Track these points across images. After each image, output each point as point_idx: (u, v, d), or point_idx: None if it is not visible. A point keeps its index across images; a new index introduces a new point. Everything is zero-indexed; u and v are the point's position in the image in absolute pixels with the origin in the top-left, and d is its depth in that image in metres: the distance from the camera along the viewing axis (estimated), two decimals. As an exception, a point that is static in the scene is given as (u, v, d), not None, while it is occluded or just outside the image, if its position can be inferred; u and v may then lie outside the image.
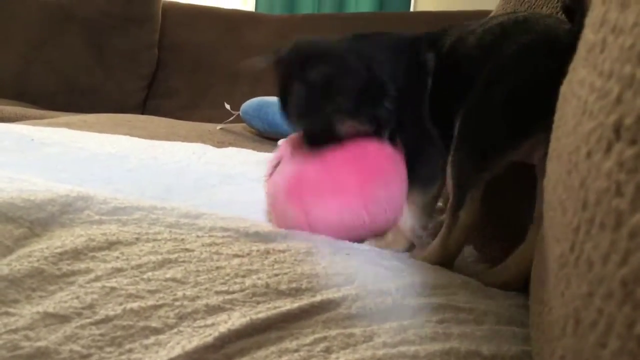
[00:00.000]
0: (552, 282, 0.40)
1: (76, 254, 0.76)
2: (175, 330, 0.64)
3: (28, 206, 0.82)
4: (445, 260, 0.92)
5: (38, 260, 0.72)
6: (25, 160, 1.18)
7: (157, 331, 0.64)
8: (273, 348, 0.62)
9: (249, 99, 1.78)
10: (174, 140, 1.62)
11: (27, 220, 0.80)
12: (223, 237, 0.91)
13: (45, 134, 1.37)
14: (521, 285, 0.86)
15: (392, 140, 1.02)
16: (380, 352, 0.61)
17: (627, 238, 0.25)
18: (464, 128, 0.86)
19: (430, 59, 0.97)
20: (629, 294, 0.24)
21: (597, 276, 0.28)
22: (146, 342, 0.62)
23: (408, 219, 1.00)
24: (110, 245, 0.80)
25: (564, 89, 0.51)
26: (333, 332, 0.65)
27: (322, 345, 0.63)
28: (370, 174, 0.99)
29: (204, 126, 2.01)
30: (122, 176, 1.21)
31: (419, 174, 1.00)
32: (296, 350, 0.62)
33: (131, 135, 1.55)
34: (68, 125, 1.54)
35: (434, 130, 0.97)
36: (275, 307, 0.69)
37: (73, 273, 0.73)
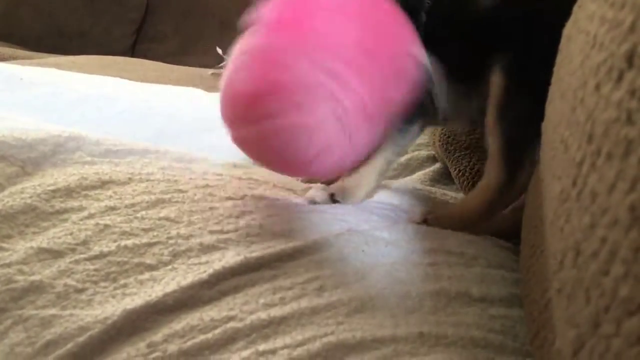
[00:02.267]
0: (549, 220, 0.40)
1: (69, 192, 0.75)
2: (169, 267, 0.65)
3: (19, 145, 0.81)
4: (485, 221, 0.84)
5: (31, 197, 0.72)
6: (14, 99, 1.16)
7: (151, 267, 0.64)
8: (267, 285, 0.63)
9: (240, 45, 1.75)
10: (165, 84, 1.59)
11: (18, 159, 0.80)
12: (216, 180, 0.91)
13: (34, 73, 1.34)
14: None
15: None
16: (373, 291, 0.62)
17: (636, 165, 0.25)
18: (519, 77, 0.78)
19: None
20: (636, 218, 0.24)
21: (601, 206, 0.28)
22: (141, 277, 0.62)
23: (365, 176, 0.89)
24: (103, 184, 0.80)
25: (567, 30, 0.50)
26: (326, 272, 0.66)
27: (315, 284, 0.63)
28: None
29: (196, 71, 1.98)
30: (113, 118, 1.19)
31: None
32: (290, 288, 0.62)
33: (121, 77, 1.52)
34: (57, 66, 1.50)
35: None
36: (269, 247, 0.69)
37: (66, 210, 0.72)
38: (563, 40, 0.51)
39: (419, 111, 0.86)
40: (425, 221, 0.84)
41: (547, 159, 0.46)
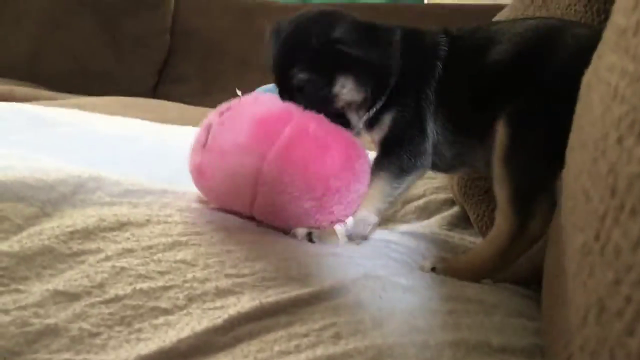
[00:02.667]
0: (572, 273, 0.39)
1: (87, 233, 0.76)
2: (184, 311, 0.64)
3: (40, 186, 0.82)
4: (496, 272, 0.84)
5: (49, 239, 0.72)
6: (36, 139, 1.18)
7: (166, 312, 0.64)
8: (282, 332, 0.62)
9: (259, 86, 1.77)
10: (185, 124, 1.61)
11: (38, 200, 0.80)
12: (234, 222, 0.91)
13: (56, 114, 1.37)
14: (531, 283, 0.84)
15: (380, 117, 0.96)
16: (390, 340, 0.61)
17: (661, 222, 0.24)
18: (524, 126, 0.79)
19: (443, 44, 0.92)
20: (662, 278, 0.23)
21: (625, 263, 0.28)
22: (155, 322, 0.62)
23: (367, 202, 0.94)
24: (121, 226, 0.80)
25: (587, 78, 0.50)
26: (342, 318, 0.65)
27: (331, 331, 0.62)
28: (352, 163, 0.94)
29: (215, 112, 2.00)
30: (132, 158, 1.20)
31: (395, 159, 0.93)
32: (305, 335, 0.61)
33: (142, 118, 1.54)
34: (79, 107, 1.53)
35: (435, 117, 0.92)
36: (284, 292, 0.69)
37: (83, 252, 0.72)
38: (583, 89, 0.50)
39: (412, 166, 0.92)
40: (433, 269, 0.83)
41: (568, 208, 0.46)
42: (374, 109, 0.96)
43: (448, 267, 0.84)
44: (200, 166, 0.96)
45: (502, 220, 0.81)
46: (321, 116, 0.95)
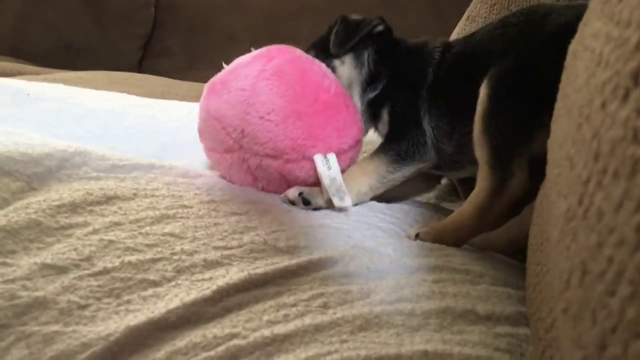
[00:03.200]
0: (555, 239, 0.40)
1: (74, 207, 0.75)
2: (173, 283, 0.64)
3: (25, 160, 0.81)
4: (477, 232, 0.87)
5: (35, 212, 0.72)
6: (21, 114, 1.17)
7: (155, 284, 0.64)
8: (271, 302, 0.62)
9: (246, 60, 1.76)
10: (171, 99, 1.60)
11: (24, 174, 0.80)
12: (221, 195, 0.91)
13: (41, 89, 1.35)
14: (512, 253, 0.86)
15: (379, 111, 1.05)
16: (377, 309, 0.61)
17: (643, 185, 0.24)
18: (502, 89, 0.82)
19: (437, 52, 1.02)
20: (643, 239, 0.24)
21: (608, 225, 0.28)
22: (144, 294, 0.62)
23: (361, 175, 0.98)
24: (108, 199, 0.80)
25: (573, 47, 0.50)
26: (330, 289, 0.66)
27: (319, 301, 0.63)
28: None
29: (202, 86, 1.98)
30: (119, 133, 1.19)
31: (395, 146, 0.99)
32: (294, 305, 0.62)
33: (128, 93, 1.53)
34: (64, 82, 1.51)
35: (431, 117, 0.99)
36: (273, 263, 0.69)
37: (71, 226, 0.72)
38: (569, 57, 0.51)
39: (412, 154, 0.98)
40: (417, 236, 0.84)
41: (553, 176, 0.46)
42: (370, 94, 1.06)
43: (430, 230, 0.86)
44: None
45: (481, 179, 0.83)
46: None
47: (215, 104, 1.02)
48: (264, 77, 0.97)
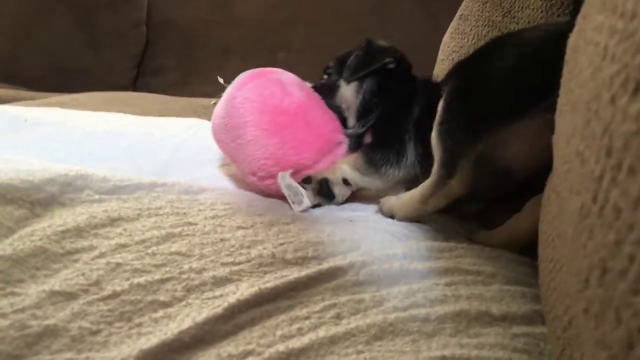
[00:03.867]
0: (570, 236, 0.39)
1: (78, 231, 0.75)
2: (183, 302, 0.64)
3: (27, 187, 0.80)
4: (415, 217, 0.96)
5: (41, 239, 0.71)
6: (19, 141, 1.16)
7: (165, 304, 0.63)
8: (283, 316, 0.62)
9: (240, 73, 1.74)
10: (168, 116, 1.59)
11: (26, 201, 0.79)
12: (225, 210, 0.91)
13: (38, 114, 1.35)
14: (515, 249, 0.86)
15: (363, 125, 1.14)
16: (391, 316, 0.61)
17: (661, 179, 0.24)
18: (452, 102, 0.90)
19: (422, 91, 1.09)
20: (666, 235, 0.23)
21: (627, 222, 0.28)
22: (155, 315, 0.61)
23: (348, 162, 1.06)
24: (113, 221, 0.79)
25: (573, 40, 0.50)
26: (342, 299, 0.65)
27: (332, 312, 0.62)
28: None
29: (198, 101, 1.98)
30: (119, 153, 1.19)
31: (371, 153, 1.07)
32: (307, 318, 0.61)
33: (124, 112, 1.53)
34: (60, 105, 1.51)
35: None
36: (282, 276, 0.69)
37: (77, 251, 0.72)
38: (569, 52, 0.50)
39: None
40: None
41: (562, 172, 0.46)
42: (359, 130, 1.13)
43: (386, 202, 1.00)
44: None
45: (432, 173, 0.92)
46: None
47: (214, 127, 1.15)
48: (233, 105, 1.09)
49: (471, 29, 1.25)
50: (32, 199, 0.79)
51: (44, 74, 2.81)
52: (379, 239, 0.83)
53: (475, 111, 0.87)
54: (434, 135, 0.91)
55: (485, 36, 1.18)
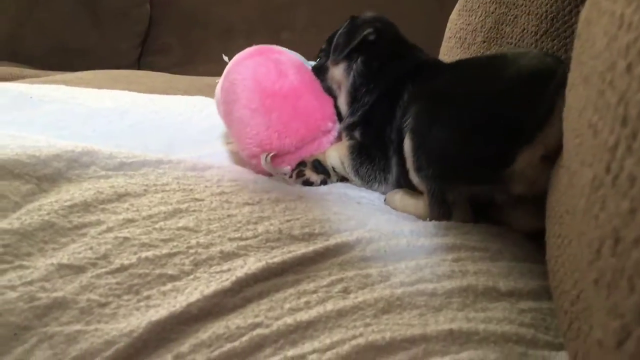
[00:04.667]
0: (581, 209, 0.39)
1: (86, 206, 0.75)
2: (191, 276, 0.64)
3: (34, 162, 0.80)
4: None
5: (48, 214, 0.72)
6: (24, 118, 1.16)
7: (173, 278, 0.64)
8: (291, 290, 0.62)
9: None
10: (174, 94, 1.59)
11: (33, 177, 0.79)
12: (231, 186, 0.91)
13: (43, 91, 1.34)
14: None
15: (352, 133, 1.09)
16: (398, 291, 0.61)
17: (679, 145, 0.24)
18: (424, 143, 0.86)
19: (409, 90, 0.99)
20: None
21: (642, 190, 0.27)
22: (163, 288, 0.62)
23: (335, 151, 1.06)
24: (120, 197, 0.79)
25: (585, 13, 0.49)
26: (349, 273, 0.65)
27: (339, 286, 0.63)
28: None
29: (203, 80, 1.98)
30: (124, 131, 1.19)
31: (358, 167, 1.04)
32: (314, 292, 0.62)
33: (129, 90, 1.52)
34: (65, 83, 1.50)
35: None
36: (290, 252, 0.69)
37: (84, 225, 0.72)
38: (581, 25, 0.50)
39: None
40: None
41: (573, 147, 0.45)
42: (349, 120, 1.08)
43: (391, 201, 0.95)
44: None
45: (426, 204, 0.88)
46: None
47: (216, 99, 1.19)
48: (228, 79, 1.10)
49: (479, 6, 1.23)
50: (39, 174, 0.79)
51: (46, 53, 2.80)
52: (386, 218, 0.83)
53: (456, 158, 0.82)
54: (415, 180, 0.87)
55: (492, 12, 1.17)
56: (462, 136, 0.80)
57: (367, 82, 1.06)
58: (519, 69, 0.80)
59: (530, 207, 0.77)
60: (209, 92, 1.63)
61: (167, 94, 1.58)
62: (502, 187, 0.79)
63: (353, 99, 1.08)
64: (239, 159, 1.12)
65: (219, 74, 1.21)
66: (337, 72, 1.11)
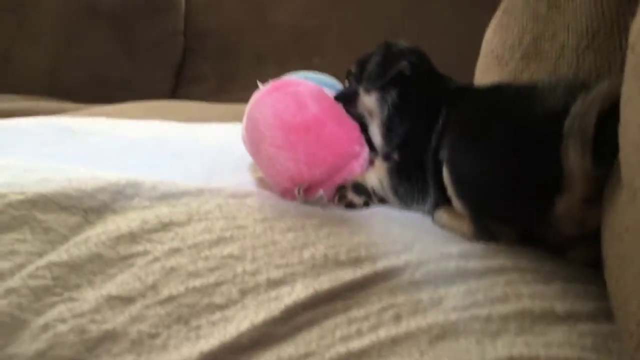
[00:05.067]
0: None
1: (132, 237, 0.76)
2: (239, 305, 0.64)
3: (80, 195, 0.82)
4: None
5: (96, 246, 0.72)
6: (68, 151, 1.18)
7: (221, 307, 0.63)
8: (341, 317, 0.61)
9: (275, 79, 1.74)
10: (210, 122, 1.60)
11: (80, 209, 0.80)
12: (273, 212, 0.90)
13: (84, 124, 1.37)
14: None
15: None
16: (452, 316, 0.59)
17: None
18: (463, 173, 0.85)
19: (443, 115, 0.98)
20: None
21: None
22: (212, 318, 0.61)
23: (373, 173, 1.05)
24: (164, 226, 0.80)
25: (638, 25, 0.48)
26: (400, 299, 0.64)
27: (390, 312, 0.61)
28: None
29: (238, 107, 1.98)
30: (165, 160, 1.20)
31: (397, 187, 1.02)
32: (365, 318, 0.60)
33: (167, 120, 1.54)
34: (105, 115, 1.53)
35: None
36: (337, 277, 0.68)
37: (131, 255, 0.72)
38: (633, 37, 0.48)
39: None
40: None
41: (634, 162, 0.44)
42: (388, 146, 1.06)
43: (438, 220, 0.92)
44: None
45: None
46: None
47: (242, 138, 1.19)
48: (250, 118, 1.11)
49: (515, 23, 1.22)
50: (86, 207, 0.80)
51: (84, 86, 2.87)
52: (432, 239, 0.82)
53: (495, 199, 0.81)
54: (457, 206, 0.86)
55: (530, 29, 1.15)
56: (499, 178, 0.80)
57: (402, 113, 1.05)
58: (546, 108, 0.78)
59: (590, 242, 0.74)
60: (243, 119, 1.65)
61: (204, 122, 1.60)
62: (551, 230, 0.77)
63: (388, 130, 1.07)
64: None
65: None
66: (370, 101, 1.09)
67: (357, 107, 1.12)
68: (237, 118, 1.72)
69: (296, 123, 1.05)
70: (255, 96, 1.15)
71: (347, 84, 1.21)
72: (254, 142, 1.10)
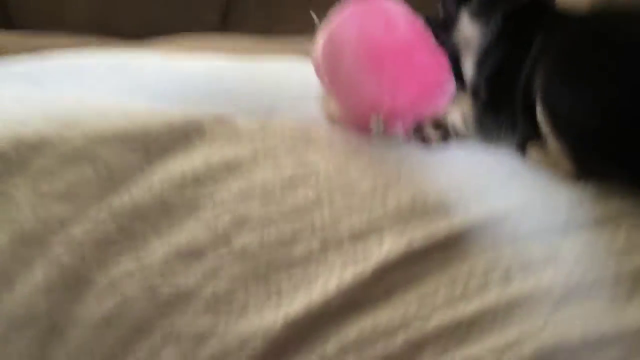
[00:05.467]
0: None
1: (196, 179, 0.69)
2: (322, 260, 0.56)
3: (141, 132, 0.75)
4: None
5: (160, 189, 0.66)
6: (123, 85, 1.12)
7: (302, 263, 0.56)
8: (440, 276, 0.53)
9: (324, 21, 1.65)
10: (263, 56, 1.54)
11: (141, 147, 0.74)
12: (346, 151, 0.82)
13: (138, 59, 1.31)
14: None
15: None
16: (575, 276, 0.51)
17: None
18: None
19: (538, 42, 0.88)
20: None
21: None
22: (294, 276, 0.55)
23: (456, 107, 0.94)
24: (229, 166, 0.72)
25: None
26: (506, 254, 0.55)
27: (499, 271, 0.53)
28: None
29: (291, 41, 1.91)
30: (223, 95, 1.13)
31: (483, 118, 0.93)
32: (469, 277, 0.52)
33: (220, 54, 1.48)
34: (159, 50, 1.48)
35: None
36: (430, 228, 0.59)
37: (197, 200, 0.66)
38: None
39: None
40: None
41: None
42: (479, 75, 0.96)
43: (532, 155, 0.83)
44: None
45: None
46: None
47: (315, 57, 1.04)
48: (331, 30, 0.97)
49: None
50: (147, 145, 0.74)
51: (134, 25, 2.84)
52: (530, 183, 0.71)
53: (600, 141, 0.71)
54: (553, 144, 0.76)
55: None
56: (608, 115, 0.71)
57: (501, 40, 0.95)
58: None
59: None
60: (299, 52, 1.56)
61: (257, 56, 1.53)
62: None
63: (483, 58, 0.97)
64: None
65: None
66: (471, 29, 0.99)
67: (452, 36, 1.01)
68: (294, 51, 1.64)
69: (384, 43, 0.94)
70: (339, 9, 1.05)
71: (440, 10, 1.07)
72: (330, 61, 0.98)
